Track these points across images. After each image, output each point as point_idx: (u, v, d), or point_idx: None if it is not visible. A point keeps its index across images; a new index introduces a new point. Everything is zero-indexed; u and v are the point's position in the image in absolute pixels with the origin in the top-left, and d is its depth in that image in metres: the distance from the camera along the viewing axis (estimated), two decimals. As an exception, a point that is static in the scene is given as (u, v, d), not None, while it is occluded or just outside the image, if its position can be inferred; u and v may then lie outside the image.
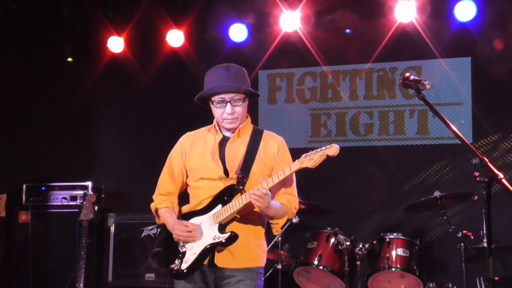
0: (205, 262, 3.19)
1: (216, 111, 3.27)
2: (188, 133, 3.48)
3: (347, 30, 6.29)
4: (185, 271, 3.20)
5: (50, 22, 6.66)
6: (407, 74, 2.99)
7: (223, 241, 3.14)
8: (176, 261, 3.23)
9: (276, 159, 3.30)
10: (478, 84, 6.03)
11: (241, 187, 3.18)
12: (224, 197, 3.19)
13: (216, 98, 3.24)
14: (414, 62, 6.24)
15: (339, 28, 6.28)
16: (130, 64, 6.70)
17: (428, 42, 5.98)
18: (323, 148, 3.03)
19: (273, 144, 3.33)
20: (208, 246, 3.17)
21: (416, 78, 2.96)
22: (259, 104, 6.57)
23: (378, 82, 6.34)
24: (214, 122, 3.38)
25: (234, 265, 3.19)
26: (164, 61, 6.67)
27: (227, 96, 3.22)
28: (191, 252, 3.20)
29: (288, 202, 3.27)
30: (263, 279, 3.32)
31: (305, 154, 3.05)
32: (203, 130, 3.45)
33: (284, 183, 3.24)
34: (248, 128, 3.37)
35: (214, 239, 3.16)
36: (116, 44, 6.60)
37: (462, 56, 6.09)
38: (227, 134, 3.35)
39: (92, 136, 6.99)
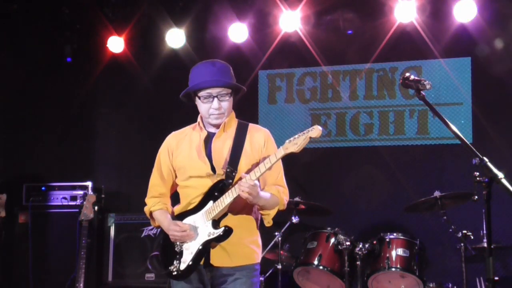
0: (201, 262, 3.19)
1: (203, 106, 3.28)
2: (173, 133, 3.50)
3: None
4: (184, 271, 3.20)
5: (50, 22, 6.66)
6: (407, 74, 2.98)
7: (218, 236, 3.14)
8: (175, 262, 3.24)
9: (262, 152, 3.30)
10: (478, 84, 6.03)
11: (230, 181, 3.18)
12: (215, 193, 3.20)
13: (203, 93, 3.25)
14: (414, 62, 6.24)
15: (339, 28, 6.28)
16: (130, 64, 6.70)
17: (428, 42, 5.98)
18: (305, 132, 3.02)
19: (259, 137, 3.34)
20: (204, 243, 3.17)
21: (416, 78, 2.95)
22: (259, 104, 6.56)
23: (378, 82, 6.34)
24: (198, 120, 3.39)
25: (229, 263, 3.20)
26: (164, 61, 6.66)
27: (214, 91, 3.23)
28: (188, 251, 3.21)
29: (278, 193, 3.28)
30: (259, 275, 3.32)
31: (288, 140, 3.05)
32: (188, 128, 3.46)
33: (272, 173, 3.26)
34: (233, 122, 3.37)
35: (209, 235, 3.17)
36: (116, 44, 6.60)
37: (462, 56, 6.09)
38: (212, 130, 3.34)
39: (92, 136, 6.98)
